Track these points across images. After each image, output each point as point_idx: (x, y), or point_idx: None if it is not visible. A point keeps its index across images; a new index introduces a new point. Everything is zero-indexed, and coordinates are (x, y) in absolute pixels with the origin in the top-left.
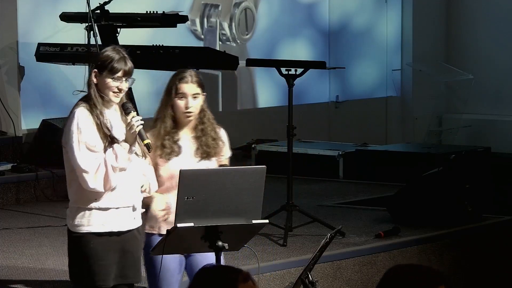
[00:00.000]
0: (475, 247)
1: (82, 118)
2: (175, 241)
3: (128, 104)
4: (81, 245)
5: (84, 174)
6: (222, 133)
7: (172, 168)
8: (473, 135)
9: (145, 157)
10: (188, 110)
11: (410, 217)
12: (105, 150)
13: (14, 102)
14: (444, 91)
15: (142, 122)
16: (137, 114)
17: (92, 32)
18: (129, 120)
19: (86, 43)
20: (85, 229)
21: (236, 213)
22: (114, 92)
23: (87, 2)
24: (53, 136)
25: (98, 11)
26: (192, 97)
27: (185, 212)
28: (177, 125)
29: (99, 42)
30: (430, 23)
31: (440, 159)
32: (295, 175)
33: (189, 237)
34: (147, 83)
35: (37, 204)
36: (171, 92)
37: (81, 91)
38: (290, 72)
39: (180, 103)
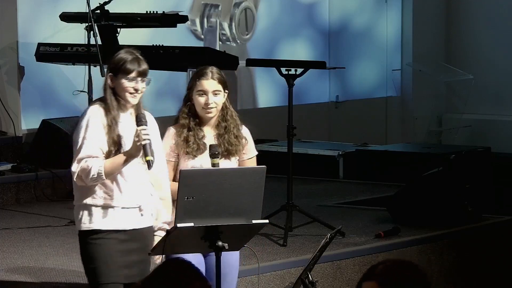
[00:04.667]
0: (475, 247)
1: (94, 116)
2: (175, 241)
3: (142, 116)
4: (86, 243)
5: (75, 157)
6: (246, 131)
7: (196, 166)
8: (473, 135)
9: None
10: (208, 107)
11: (410, 217)
12: (108, 156)
13: (14, 102)
14: (444, 91)
15: (150, 137)
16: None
17: (92, 32)
18: (137, 131)
19: (86, 43)
20: (88, 226)
21: (236, 213)
22: (130, 93)
23: (87, 2)
24: (53, 136)
25: (98, 11)
26: (212, 94)
27: (185, 212)
28: (200, 122)
29: (99, 42)
30: (430, 23)
31: (440, 159)
32: (295, 175)
33: (189, 237)
34: None
35: (37, 204)
36: (192, 89)
37: (81, 91)
38: (290, 72)
39: (200, 99)
